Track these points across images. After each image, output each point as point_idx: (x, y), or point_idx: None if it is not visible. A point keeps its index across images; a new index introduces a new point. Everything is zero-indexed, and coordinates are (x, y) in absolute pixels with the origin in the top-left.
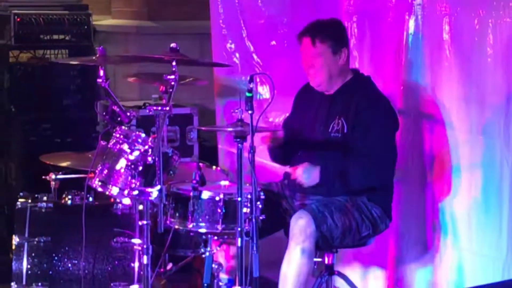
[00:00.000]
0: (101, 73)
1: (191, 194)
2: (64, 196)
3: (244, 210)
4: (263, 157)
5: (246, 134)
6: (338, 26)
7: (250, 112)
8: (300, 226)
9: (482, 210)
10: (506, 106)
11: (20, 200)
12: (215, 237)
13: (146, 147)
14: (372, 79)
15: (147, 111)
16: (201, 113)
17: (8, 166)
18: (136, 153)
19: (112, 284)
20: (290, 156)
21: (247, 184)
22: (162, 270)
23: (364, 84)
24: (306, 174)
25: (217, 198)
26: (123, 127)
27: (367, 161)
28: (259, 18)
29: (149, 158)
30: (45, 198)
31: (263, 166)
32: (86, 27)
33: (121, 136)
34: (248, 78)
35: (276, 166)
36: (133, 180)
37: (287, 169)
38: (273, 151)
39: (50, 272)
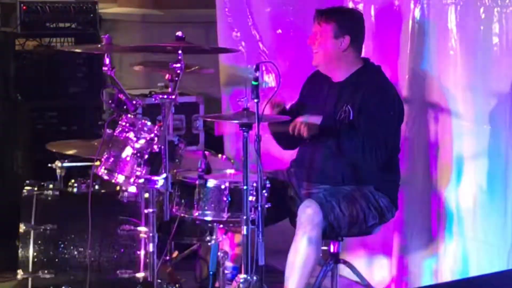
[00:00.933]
0: (107, 61)
1: (197, 182)
2: (70, 184)
3: (250, 198)
4: (269, 146)
5: (251, 123)
6: (350, 14)
7: (256, 100)
8: (308, 215)
9: (487, 199)
10: (511, 95)
11: (27, 188)
12: (221, 225)
13: (152, 135)
14: (381, 67)
15: (153, 99)
16: (207, 101)
17: (14, 154)
18: (142, 141)
19: (118, 272)
20: (297, 142)
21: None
22: (168, 258)
23: (373, 73)
24: (306, 125)
25: (222, 187)
26: (129, 115)
27: (367, 139)
28: (265, 6)
29: (155, 147)
30: (51, 186)
31: (269, 154)
32: (92, 15)
33: (127, 125)
34: (254, 66)
35: (281, 154)
36: (139, 168)
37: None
38: (277, 133)
39: (56, 260)
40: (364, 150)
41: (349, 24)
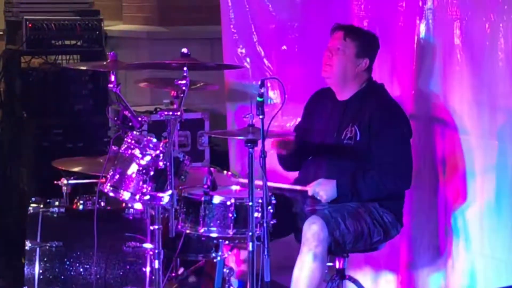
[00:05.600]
0: (113, 78)
1: (202, 198)
2: (76, 201)
3: (255, 214)
4: (274, 162)
5: (257, 139)
6: (372, 38)
7: (261, 117)
8: (313, 231)
9: (494, 214)
10: None
11: (32, 205)
12: (226, 242)
13: (158, 152)
14: (384, 85)
15: (159, 116)
16: (212, 118)
17: (20, 171)
18: (148, 158)
19: None
20: (301, 163)
21: (258, 189)
22: (173, 274)
23: (377, 92)
24: (323, 191)
25: (228, 203)
26: (134, 132)
27: (381, 172)
28: (270, 23)
29: (161, 163)
30: (57, 203)
31: (274, 171)
32: (97, 32)
33: (133, 141)
34: (259, 82)
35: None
36: (145, 185)
37: (298, 187)
38: (283, 158)
39: (62, 277)
40: (383, 188)
41: (371, 48)
